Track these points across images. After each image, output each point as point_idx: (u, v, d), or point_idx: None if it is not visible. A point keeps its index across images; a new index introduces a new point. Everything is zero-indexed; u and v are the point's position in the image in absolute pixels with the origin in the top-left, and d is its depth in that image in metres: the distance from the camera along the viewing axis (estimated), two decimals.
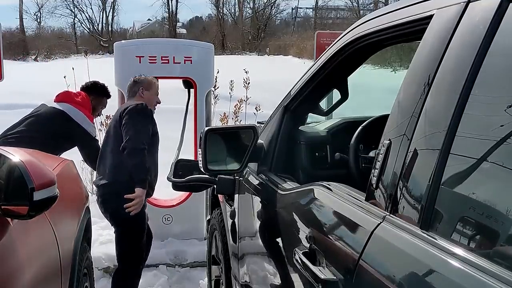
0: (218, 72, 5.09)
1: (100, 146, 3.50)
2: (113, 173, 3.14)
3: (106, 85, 4.02)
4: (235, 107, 5.47)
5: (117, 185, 3.11)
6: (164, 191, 4.05)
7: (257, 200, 2.13)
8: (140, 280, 3.32)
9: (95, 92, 3.92)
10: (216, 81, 5.21)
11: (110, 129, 3.27)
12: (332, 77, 1.95)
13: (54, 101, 3.77)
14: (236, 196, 2.43)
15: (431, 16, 1.18)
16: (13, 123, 3.68)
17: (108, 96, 4.00)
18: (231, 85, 5.60)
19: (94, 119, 4.02)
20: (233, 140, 2.18)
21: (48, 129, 3.59)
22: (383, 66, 13.83)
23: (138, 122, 3.10)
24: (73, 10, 42.24)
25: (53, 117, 3.65)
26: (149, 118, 3.19)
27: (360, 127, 2.03)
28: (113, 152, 3.16)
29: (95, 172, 3.77)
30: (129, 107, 3.16)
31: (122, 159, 3.07)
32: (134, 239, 3.20)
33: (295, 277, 1.57)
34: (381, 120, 1.46)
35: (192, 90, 4.19)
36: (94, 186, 3.32)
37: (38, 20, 41.90)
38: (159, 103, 3.45)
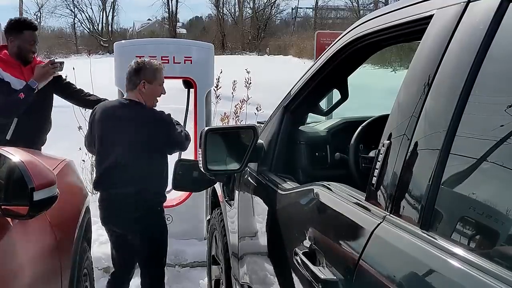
0: (221, 72, 5.09)
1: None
2: (155, 183, 2.95)
3: (23, 17, 3.65)
4: (235, 107, 5.47)
5: (160, 197, 3.00)
6: None
7: (257, 200, 2.13)
8: (140, 280, 3.29)
9: (12, 32, 3.43)
10: (218, 81, 5.22)
11: (129, 135, 2.87)
12: (332, 77, 1.95)
13: None
14: (236, 196, 2.43)
15: (431, 16, 1.18)
16: None
17: (30, 27, 3.47)
18: (233, 85, 5.61)
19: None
20: (233, 140, 2.18)
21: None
22: (383, 66, 13.83)
23: (175, 130, 2.95)
24: (73, 10, 42.41)
25: None
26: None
27: (360, 127, 2.03)
28: (148, 160, 2.89)
29: (95, 172, 3.64)
30: (158, 116, 2.90)
31: (160, 166, 2.95)
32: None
33: (295, 277, 1.57)
34: (381, 120, 1.46)
35: (192, 90, 4.19)
36: (111, 196, 2.95)
37: (38, 20, 41.82)
38: (163, 93, 3.05)
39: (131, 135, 2.87)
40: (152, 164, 2.90)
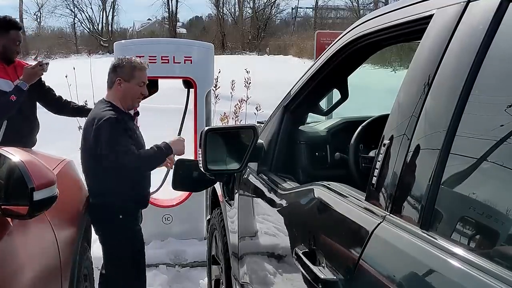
0: (219, 72, 5.09)
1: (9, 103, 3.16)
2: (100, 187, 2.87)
3: (8, 16, 3.48)
4: (235, 107, 5.47)
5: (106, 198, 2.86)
6: (164, 191, 4.05)
7: (257, 200, 2.13)
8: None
9: None
10: (217, 81, 5.22)
11: (83, 137, 2.86)
12: (332, 77, 1.95)
13: None
14: (236, 196, 2.43)
15: (431, 16, 1.18)
16: None
17: (15, 26, 3.38)
18: (232, 85, 5.61)
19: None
20: (233, 140, 2.18)
21: None
22: (383, 66, 13.81)
23: (110, 138, 2.69)
24: (73, 10, 42.35)
25: None
26: (119, 129, 2.72)
27: (360, 127, 2.03)
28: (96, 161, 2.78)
29: None
30: (98, 119, 2.70)
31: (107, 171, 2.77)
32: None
33: (295, 277, 1.57)
34: (381, 120, 1.46)
35: (192, 90, 4.19)
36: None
37: (38, 20, 42.00)
38: (144, 94, 2.88)
39: (83, 137, 2.87)
40: (99, 168, 2.78)
